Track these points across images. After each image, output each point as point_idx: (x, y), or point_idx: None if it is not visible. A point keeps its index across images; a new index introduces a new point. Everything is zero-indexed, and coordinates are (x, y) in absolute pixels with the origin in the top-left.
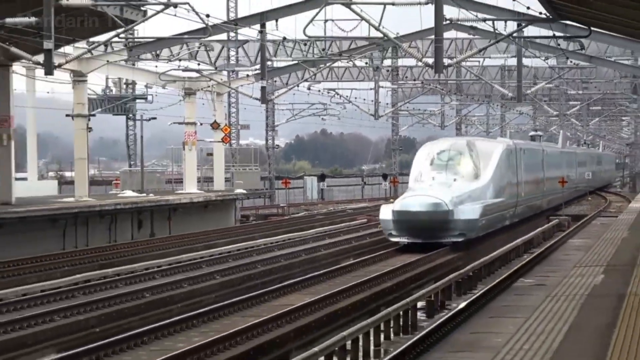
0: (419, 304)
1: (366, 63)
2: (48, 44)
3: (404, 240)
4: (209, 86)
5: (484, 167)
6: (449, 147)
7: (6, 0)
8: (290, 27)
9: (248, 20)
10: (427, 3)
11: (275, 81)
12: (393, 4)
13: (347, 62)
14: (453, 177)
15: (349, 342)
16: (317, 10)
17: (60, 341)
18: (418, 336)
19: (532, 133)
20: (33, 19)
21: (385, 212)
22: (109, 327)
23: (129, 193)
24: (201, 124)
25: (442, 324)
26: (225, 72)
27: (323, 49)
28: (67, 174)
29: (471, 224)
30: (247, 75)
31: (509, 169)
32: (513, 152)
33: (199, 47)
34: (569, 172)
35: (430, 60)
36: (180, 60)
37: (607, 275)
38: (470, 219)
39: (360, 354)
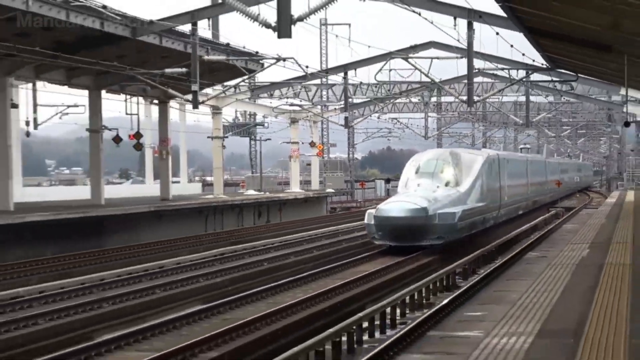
0: (457, 270)
1: (419, 99)
2: (194, 87)
3: (386, 243)
4: (307, 116)
5: (466, 175)
6: (435, 157)
7: (165, 56)
8: (365, 74)
9: (335, 70)
10: (461, 57)
11: (354, 112)
12: (437, 58)
13: (405, 99)
14: (436, 184)
15: (407, 297)
16: (384, 62)
17: (204, 296)
18: (456, 293)
19: (522, 146)
20: (184, 69)
21: (369, 217)
22: (238, 287)
23: (251, 192)
24: (302, 143)
25: (473, 285)
26: (319, 106)
27: (388, 90)
28: (208, 178)
29: (449, 228)
30: (335, 109)
31: (490, 177)
32: (495, 161)
33: (300, 89)
34: (552, 177)
35: (464, 97)
36: (287, 97)
37: (591, 250)
38: (448, 224)
39: (415, 305)
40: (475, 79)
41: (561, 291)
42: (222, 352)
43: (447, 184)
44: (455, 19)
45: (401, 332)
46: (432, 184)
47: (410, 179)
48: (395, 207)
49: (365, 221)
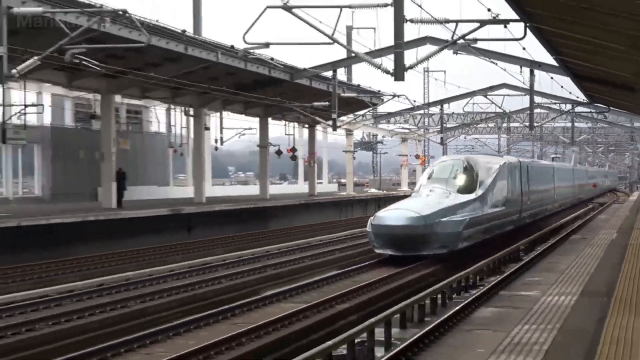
0: (521, 247)
1: (494, 124)
2: (334, 115)
3: (386, 252)
4: (414, 136)
5: (481, 181)
6: (449, 163)
7: (313, 94)
8: (455, 106)
9: (434, 103)
10: (525, 94)
11: (448, 134)
12: (508, 95)
13: (484, 124)
14: (449, 190)
15: (485, 267)
16: (469, 98)
17: (338, 264)
18: (520, 264)
19: (553, 156)
20: (326, 103)
21: (369, 225)
22: (364, 257)
23: (373, 190)
24: (410, 156)
25: (532, 258)
26: (422, 129)
27: (472, 117)
28: (342, 180)
29: (453, 236)
30: (433, 131)
31: (509, 182)
32: (516, 167)
33: (409, 117)
34: (580, 182)
35: (527, 123)
36: (400, 123)
37: (619, 234)
38: (452, 232)
39: (490, 272)
40: (535, 110)
41: (597, 263)
42: (352, 304)
43: (460, 190)
44: (521, 67)
45: (480, 292)
46: (444, 190)
47: (423, 184)
48: (393, 215)
49: (367, 229)
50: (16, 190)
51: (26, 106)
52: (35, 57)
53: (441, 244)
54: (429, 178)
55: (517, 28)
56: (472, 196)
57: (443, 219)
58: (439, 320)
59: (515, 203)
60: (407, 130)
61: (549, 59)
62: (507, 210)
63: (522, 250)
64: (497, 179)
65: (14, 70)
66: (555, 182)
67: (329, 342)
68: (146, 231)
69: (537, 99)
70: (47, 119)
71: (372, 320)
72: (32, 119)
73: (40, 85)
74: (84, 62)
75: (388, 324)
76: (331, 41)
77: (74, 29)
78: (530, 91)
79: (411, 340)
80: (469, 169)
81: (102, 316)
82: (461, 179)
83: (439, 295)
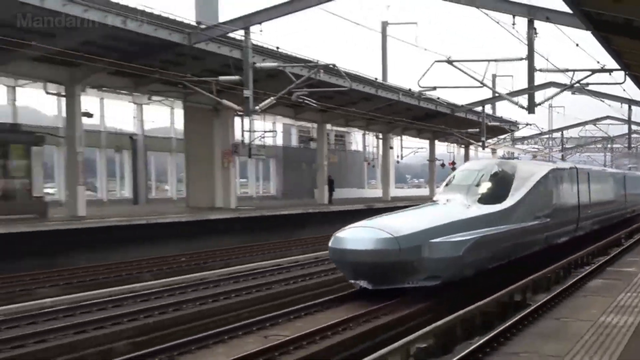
0: (622, 236)
1: (601, 146)
2: (482, 139)
3: (358, 283)
4: (542, 153)
5: (516, 189)
6: (475, 168)
7: (467, 123)
8: (572, 132)
9: (556, 130)
10: (624, 123)
11: (567, 152)
12: (611, 124)
13: (594, 145)
14: (469, 201)
15: (594, 250)
16: (582, 126)
17: None
18: (622, 247)
19: (630, 166)
20: (477, 129)
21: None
22: None
23: None
24: None
25: (631, 244)
26: (547, 149)
27: (585, 140)
28: None
29: (448, 263)
30: (556, 150)
31: (560, 190)
32: (571, 174)
33: (538, 139)
34: None
35: (626, 144)
36: (530, 144)
37: None
38: (445, 257)
39: (599, 253)
40: (632, 135)
41: None
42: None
43: (482, 200)
44: (621, 103)
45: (592, 268)
46: (464, 200)
47: (440, 192)
48: (355, 235)
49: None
50: (258, 191)
51: (265, 132)
52: (272, 98)
53: (430, 273)
54: (446, 185)
55: (619, 75)
56: (499, 207)
57: (434, 240)
58: (561, 288)
59: (569, 212)
60: (536, 150)
61: None
62: (556, 220)
63: (623, 238)
64: (539, 187)
65: (257, 107)
66: (627, 189)
67: (470, 307)
68: (349, 220)
69: (634, 127)
70: (279, 141)
71: (512, 287)
72: (269, 141)
73: (274, 117)
74: (305, 101)
75: (524, 290)
76: (481, 85)
77: (298, 78)
78: (629, 121)
79: (541, 302)
80: (500, 176)
81: (318, 280)
82: (486, 187)
83: (562, 270)
